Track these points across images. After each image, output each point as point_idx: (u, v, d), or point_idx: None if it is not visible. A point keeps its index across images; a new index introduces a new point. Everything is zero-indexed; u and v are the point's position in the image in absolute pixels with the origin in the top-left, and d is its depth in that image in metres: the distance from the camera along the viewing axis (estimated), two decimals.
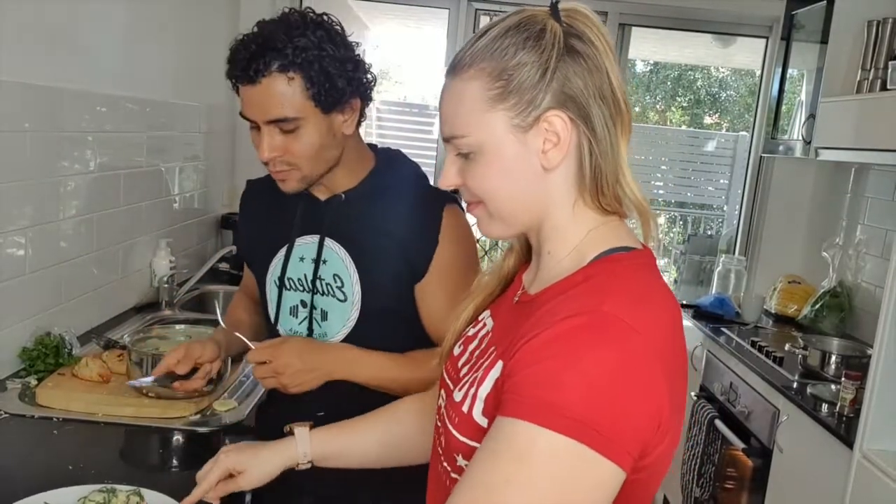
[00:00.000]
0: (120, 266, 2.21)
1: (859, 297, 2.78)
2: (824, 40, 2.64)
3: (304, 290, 1.31)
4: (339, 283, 1.28)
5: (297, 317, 1.33)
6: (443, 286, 1.26)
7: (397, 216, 1.27)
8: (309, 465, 1.08)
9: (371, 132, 7.27)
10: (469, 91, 0.77)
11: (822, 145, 2.57)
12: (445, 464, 0.83)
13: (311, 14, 1.18)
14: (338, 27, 1.21)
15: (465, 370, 0.86)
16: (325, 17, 1.19)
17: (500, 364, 0.76)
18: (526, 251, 0.90)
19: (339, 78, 1.16)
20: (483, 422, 0.75)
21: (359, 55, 1.23)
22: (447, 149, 0.82)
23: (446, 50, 3.32)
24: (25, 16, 1.67)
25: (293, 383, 1.25)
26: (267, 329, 1.41)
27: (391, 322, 1.30)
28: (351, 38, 1.23)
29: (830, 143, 2.53)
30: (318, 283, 1.30)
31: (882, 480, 1.72)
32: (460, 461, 0.79)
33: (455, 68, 0.79)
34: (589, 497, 0.67)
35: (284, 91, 1.14)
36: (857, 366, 2.11)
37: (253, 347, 1.29)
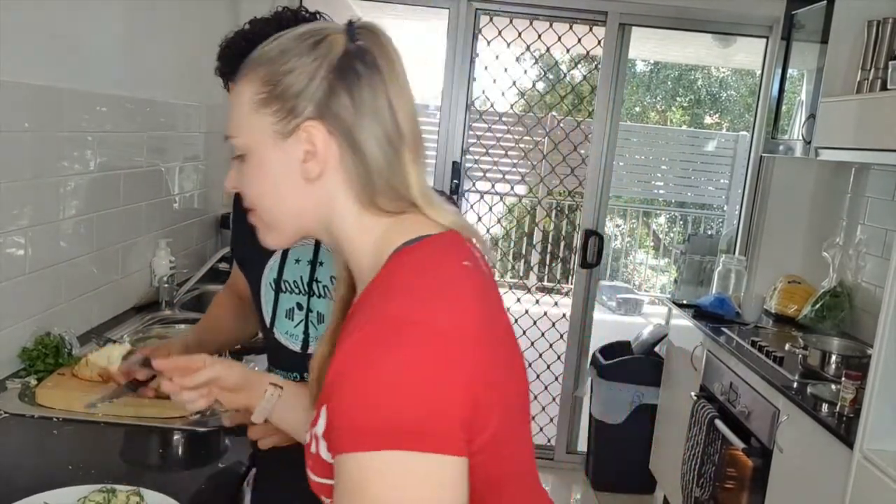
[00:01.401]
0: (120, 266, 2.21)
1: (859, 296, 2.78)
2: (824, 40, 2.64)
3: (301, 292, 1.31)
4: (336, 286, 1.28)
5: (293, 319, 1.33)
6: None
7: None
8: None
9: None
10: (243, 93, 0.78)
11: (823, 145, 2.57)
12: None
13: (304, 13, 1.18)
14: None
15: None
16: (318, 16, 1.19)
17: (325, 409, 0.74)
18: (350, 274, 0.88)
19: None
20: (329, 458, 0.73)
21: None
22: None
23: (446, 50, 3.32)
24: (25, 16, 1.67)
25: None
26: (261, 332, 1.40)
27: None
28: None
29: (831, 142, 2.53)
30: (314, 285, 1.30)
31: (882, 480, 1.72)
32: (327, 503, 0.78)
33: (240, 72, 0.80)
34: (441, 496, 0.66)
35: None
36: (857, 366, 2.11)
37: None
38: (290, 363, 1.35)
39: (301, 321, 1.32)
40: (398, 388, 0.65)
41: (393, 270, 0.75)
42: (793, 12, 2.95)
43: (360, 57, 0.77)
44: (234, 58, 1.14)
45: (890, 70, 2.31)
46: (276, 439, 1.14)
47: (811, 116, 2.67)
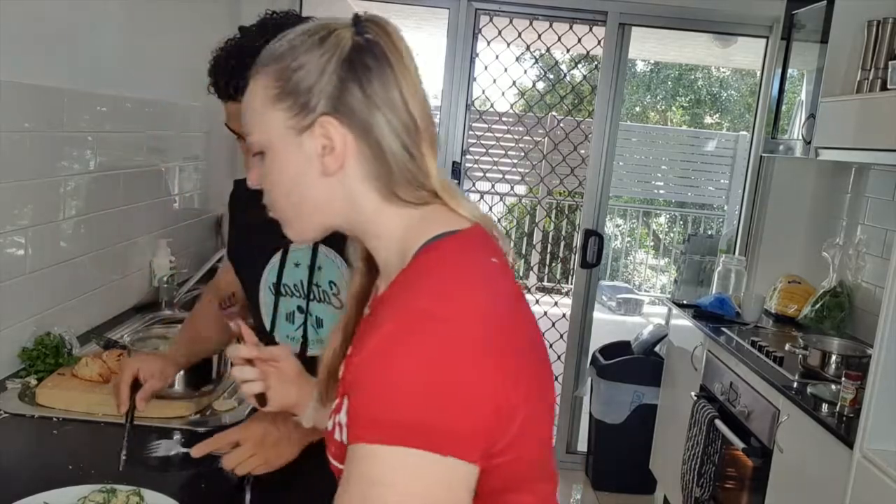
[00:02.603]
0: (120, 266, 2.21)
1: (859, 296, 2.78)
2: (824, 40, 2.64)
3: (300, 296, 1.30)
4: (335, 290, 1.27)
5: (293, 323, 1.32)
6: None
7: None
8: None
9: None
10: (256, 89, 0.79)
11: (823, 145, 2.57)
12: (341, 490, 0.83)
13: (294, 18, 1.15)
14: None
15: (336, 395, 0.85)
16: (308, 21, 1.17)
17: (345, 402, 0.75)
18: (368, 266, 0.89)
19: None
20: None
21: None
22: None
23: (446, 50, 3.32)
24: (25, 16, 1.66)
25: (276, 454, 1.16)
26: (261, 335, 1.39)
27: None
28: None
29: (830, 142, 2.53)
30: (313, 289, 1.29)
31: (882, 480, 1.72)
32: None
33: (253, 68, 0.81)
34: (444, 498, 0.67)
35: None
36: (857, 366, 2.11)
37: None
38: None
39: (301, 325, 1.31)
40: (422, 386, 0.65)
41: (420, 267, 0.74)
42: (793, 12, 2.95)
43: (369, 50, 0.76)
44: (225, 77, 1.11)
45: (890, 70, 2.31)
46: (251, 465, 1.14)
47: (811, 116, 2.67)
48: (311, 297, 1.29)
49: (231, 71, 1.10)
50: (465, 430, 0.67)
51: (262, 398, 1.02)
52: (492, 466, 0.70)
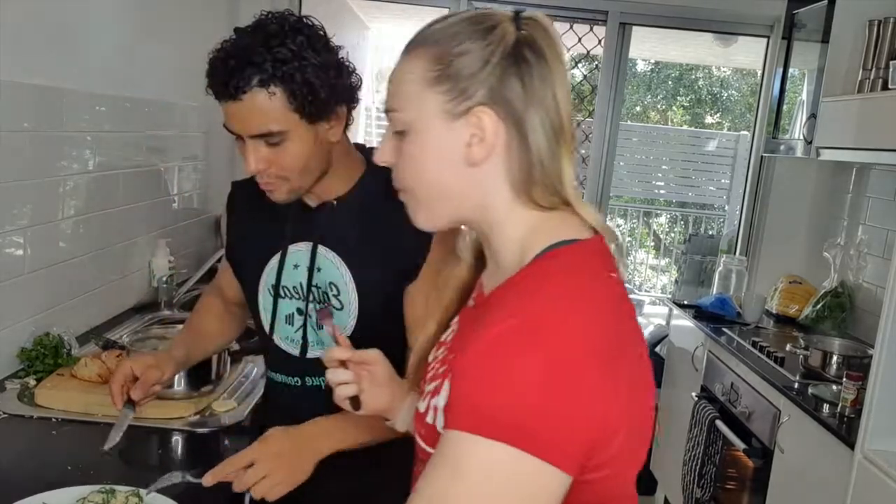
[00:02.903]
0: (119, 266, 2.21)
1: (860, 297, 2.77)
2: (825, 40, 2.64)
3: (300, 297, 1.29)
4: (335, 292, 1.26)
5: (293, 325, 1.30)
6: (428, 289, 1.22)
7: (390, 221, 1.21)
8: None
9: (371, 132, 7.27)
10: (411, 68, 0.78)
11: (824, 145, 2.56)
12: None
13: (291, 19, 1.13)
14: (320, 30, 1.15)
15: (429, 379, 0.86)
16: (305, 21, 1.14)
17: (451, 376, 0.75)
18: (476, 259, 0.90)
19: (323, 87, 1.11)
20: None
21: (342, 58, 1.18)
22: (388, 125, 0.82)
23: None
24: (25, 15, 1.66)
25: (291, 472, 1.13)
26: (259, 336, 1.38)
27: (389, 330, 1.26)
28: (336, 40, 1.17)
29: (831, 142, 2.53)
30: (313, 291, 1.27)
31: (883, 481, 1.72)
32: None
33: (407, 46, 0.80)
34: (531, 503, 0.66)
35: (266, 106, 1.09)
36: (858, 366, 2.10)
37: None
38: (289, 368, 1.33)
39: (301, 327, 1.30)
40: (534, 388, 0.65)
41: (542, 271, 0.75)
42: (793, 12, 2.95)
43: (530, 45, 0.76)
44: (224, 77, 1.10)
45: (891, 69, 2.31)
46: (266, 487, 1.10)
47: (812, 116, 2.66)
48: (311, 298, 1.28)
49: (231, 71, 1.09)
50: (568, 438, 0.66)
51: (355, 401, 1.01)
52: (585, 481, 0.70)
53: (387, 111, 0.81)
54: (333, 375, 1.00)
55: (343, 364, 1.01)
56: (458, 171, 0.78)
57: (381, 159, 0.83)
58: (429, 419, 0.79)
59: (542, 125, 0.76)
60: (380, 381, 1.02)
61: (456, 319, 0.91)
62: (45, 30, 1.74)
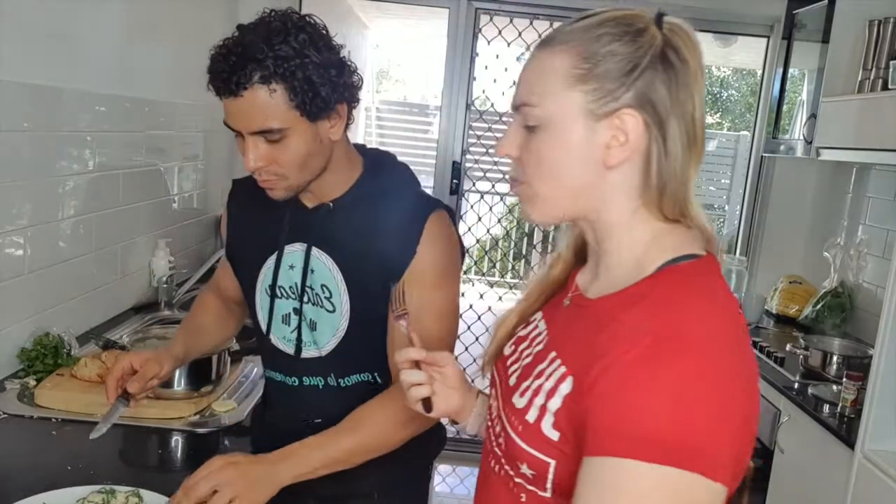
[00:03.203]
0: (119, 266, 2.21)
1: (860, 297, 2.77)
2: (825, 40, 2.64)
3: (295, 298, 1.29)
4: (327, 294, 1.26)
5: (289, 325, 1.30)
6: (408, 293, 1.22)
7: (382, 225, 1.24)
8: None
9: (371, 132, 7.27)
10: (554, 64, 0.77)
11: (824, 145, 2.56)
12: (507, 467, 0.83)
13: (294, 17, 1.13)
14: (322, 29, 1.15)
15: (516, 370, 0.86)
16: (307, 19, 1.14)
17: (570, 381, 0.75)
18: (575, 258, 0.91)
19: (324, 85, 1.11)
20: (554, 435, 0.75)
21: (344, 57, 1.18)
22: (514, 118, 0.81)
23: (446, 50, 3.31)
24: (25, 15, 1.66)
25: (256, 494, 1.10)
26: (257, 336, 1.37)
27: (380, 332, 1.27)
28: (336, 39, 1.17)
29: (832, 142, 2.53)
30: (306, 291, 1.27)
31: (883, 481, 1.72)
32: (525, 469, 0.78)
33: (548, 41, 0.79)
34: None
35: (267, 102, 1.09)
36: (858, 366, 2.10)
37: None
38: (286, 367, 1.33)
39: (296, 327, 1.29)
40: (683, 406, 0.65)
41: (671, 286, 0.74)
42: (794, 12, 2.95)
43: (675, 51, 0.76)
44: (225, 73, 1.10)
45: (891, 69, 2.31)
46: None
47: (812, 116, 2.66)
48: (305, 299, 1.28)
49: (232, 67, 1.09)
50: (724, 451, 0.67)
51: (427, 403, 1.00)
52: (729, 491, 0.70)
53: (519, 106, 0.79)
54: (407, 376, 0.99)
55: (416, 365, 1.00)
56: (590, 172, 0.77)
57: (504, 152, 0.82)
58: (530, 417, 0.77)
59: (680, 133, 0.76)
60: (451, 382, 1.02)
61: (540, 316, 0.91)
62: (45, 30, 1.74)
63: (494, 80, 3.49)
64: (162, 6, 2.35)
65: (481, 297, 3.86)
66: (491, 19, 3.36)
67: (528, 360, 0.85)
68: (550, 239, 6.75)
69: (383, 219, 1.24)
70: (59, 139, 1.84)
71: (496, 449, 0.86)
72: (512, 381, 0.86)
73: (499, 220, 4.48)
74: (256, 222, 1.33)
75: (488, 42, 3.41)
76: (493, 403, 0.90)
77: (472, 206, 3.72)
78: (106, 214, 2.08)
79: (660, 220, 0.78)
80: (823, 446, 1.96)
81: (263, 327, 1.33)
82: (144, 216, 2.33)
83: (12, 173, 1.65)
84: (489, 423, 0.91)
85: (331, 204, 1.26)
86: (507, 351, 0.92)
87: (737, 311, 0.75)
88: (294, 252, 1.28)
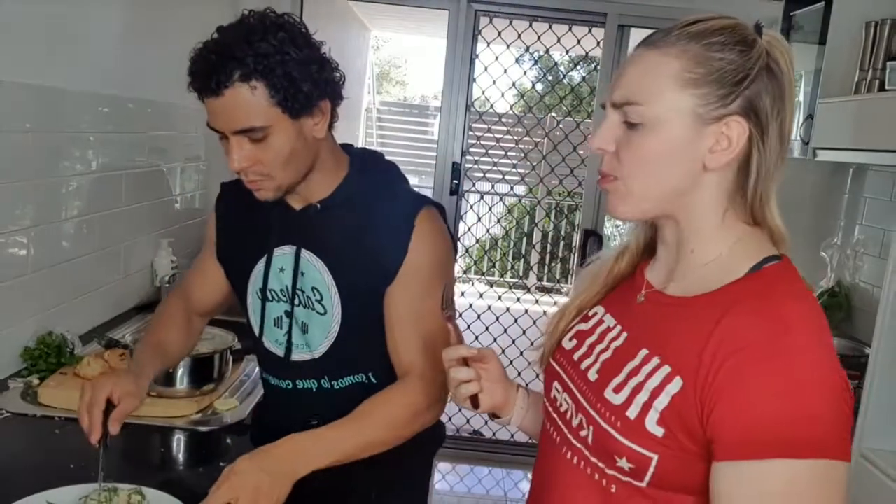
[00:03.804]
0: (121, 266, 2.22)
1: (857, 296, 2.78)
2: (822, 41, 2.64)
3: (286, 301, 1.28)
4: (318, 297, 1.25)
5: (281, 328, 1.30)
6: (405, 296, 1.23)
7: (371, 225, 1.23)
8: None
9: (371, 133, 7.28)
10: (666, 66, 0.79)
11: (821, 146, 2.57)
12: (596, 460, 0.85)
13: (272, 16, 1.14)
14: (301, 27, 1.16)
15: (592, 364, 0.88)
16: (286, 18, 1.15)
17: (678, 381, 0.77)
18: (642, 253, 0.93)
19: (305, 81, 1.11)
20: (658, 431, 0.78)
21: (324, 54, 1.18)
22: (611, 114, 0.83)
23: (446, 51, 3.33)
24: (26, 16, 1.67)
25: (272, 501, 1.07)
26: (251, 340, 1.37)
27: (373, 332, 1.26)
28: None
29: (829, 143, 2.54)
30: (297, 294, 1.26)
31: (881, 480, 1.73)
32: (623, 463, 0.81)
33: (656, 42, 0.81)
34: (840, 499, 0.72)
35: (249, 100, 1.10)
36: (855, 365, 2.11)
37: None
38: (279, 370, 1.33)
39: (288, 330, 1.29)
40: (808, 398, 0.70)
41: (769, 287, 0.78)
42: (791, 13, 2.96)
43: (777, 63, 0.79)
44: (205, 73, 1.10)
45: (888, 71, 2.32)
46: None
47: (809, 117, 2.67)
48: (297, 302, 1.27)
49: (212, 66, 1.09)
50: (844, 434, 0.72)
51: (475, 400, 1.02)
52: None
53: (622, 103, 0.81)
54: (457, 374, 1.00)
55: (464, 363, 1.01)
56: (688, 173, 0.80)
57: (600, 146, 0.83)
58: (631, 414, 0.80)
59: (775, 143, 0.80)
60: (494, 377, 1.03)
61: (602, 311, 0.94)
62: (47, 30, 1.75)
63: (494, 82, 3.50)
64: (165, 7, 2.36)
65: (481, 296, 3.88)
66: (490, 21, 3.37)
67: (607, 355, 0.87)
68: (550, 239, 6.77)
69: (372, 219, 1.23)
70: (62, 140, 1.85)
71: (576, 442, 0.87)
72: (592, 375, 0.87)
73: (498, 220, 4.50)
74: (245, 225, 1.32)
75: (488, 44, 3.42)
76: (557, 396, 0.93)
77: (472, 206, 3.73)
78: (109, 214, 2.09)
79: (746, 222, 0.83)
80: None
81: (256, 331, 1.32)
82: (147, 216, 2.34)
83: (16, 173, 1.66)
84: (554, 416, 0.93)
85: (318, 205, 1.25)
86: (567, 345, 0.94)
87: (820, 306, 0.80)
88: (284, 255, 1.27)
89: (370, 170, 1.30)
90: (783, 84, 0.79)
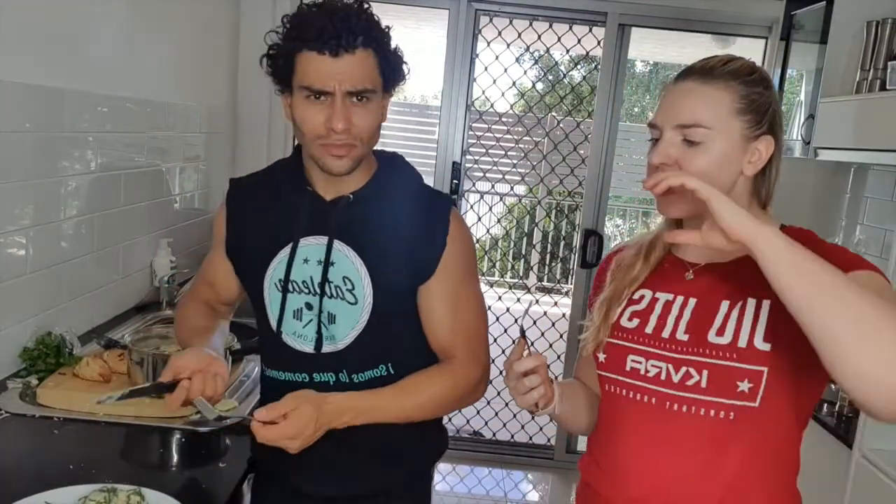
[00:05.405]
0: (121, 266, 2.21)
1: None
2: (823, 41, 2.64)
3: (311, 292, 1.27)
4: (349, 286, 1.26)
5: (301, 320, 1.29)
6: (445, 287, 1.28)
7: (407, 218, 1.27)
8: None
9: None
10: (721, 98, 1.06)
11: (822, 145, 2.57)
12: (711, 398, 1.04)
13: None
14: None
15: (671, 331, 1.09)
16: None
17: (766, 303, 1.04)
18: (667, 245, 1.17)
19: (401, 63, 1.23)
20: (766, 346, 1.02)
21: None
22: (671, 134, 1.06)
23: (446, 50, 3.32)
24: (26, 16, 1.67)
25: (303, 444, 1.17)
26: (262, 332, 1.36)
27: (400, 324, 1.29)
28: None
29: (830, 143, 2.53)
30: (326, 286, 1.26)
31: (881, 480, 1.73)
32: (743, 386, 1.02)
33: (705, 77, 1.07)
34: None
35: (367, 64, 1.17)
36: None
37: None
38: (297, 364, 1.31)
39: (311, 321, 1.28)
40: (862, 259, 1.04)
41: (797, 229, 1.13)
42: (792, 13, 2.96)
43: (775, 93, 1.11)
44: (332, 32, 1.14)
45: (889, 70, 2.32)
46: (281, 443, 1.15)
47: (810, 117, 2.67)
48: (324, 293, 1.27)
49: (341, 26, 1.14)
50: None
51: (535, 404, 1.12)
52: None
53: (685, 126, 1.05)
54: (528, 382, 1.10)
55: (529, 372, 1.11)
56: (733, 176, 1.08)
57: (663, 159, 1.06)
58: (741, 342, 1.03)
59: (779, 153, 1.11)
60: (545, 378, 1.12)
61: (650, 293, 1.14)
62: (46, 30, 1.74)
63: (494, 81, 3.50)
64: (164, 7, 2.36)
65: None
66: (491, 20, 3.37)
67: (686, 317, 1.09)
68: (550, 239, 6.76)
69: (407, 211, 1.28)
70: (62, 140, 1.85)
71: (683, 393, 1.06)
72: (681, 335, 1.08)
73: (499, 220, 4.49)
74: (261, 218, 1.32)
75: (488, 43, 3.42)
76: (639, 366, 1.10)
77: (472, 206, 3.72)
78: (108, 214, 2.09)
79: (760, 206, 1.13)
80: (822, 446, 1.97)
81: (273, 324, 1.31)
82: (146, 216, 2.34)
83: (15, 173, 1.65)
84: (640, 384, 1.09)
85: (350, 196, 1.27)
86: (629, 324, 1.13)
87: None
88: (311, 245, 1.27)
89: (397, 169, 1.34)
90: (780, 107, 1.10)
